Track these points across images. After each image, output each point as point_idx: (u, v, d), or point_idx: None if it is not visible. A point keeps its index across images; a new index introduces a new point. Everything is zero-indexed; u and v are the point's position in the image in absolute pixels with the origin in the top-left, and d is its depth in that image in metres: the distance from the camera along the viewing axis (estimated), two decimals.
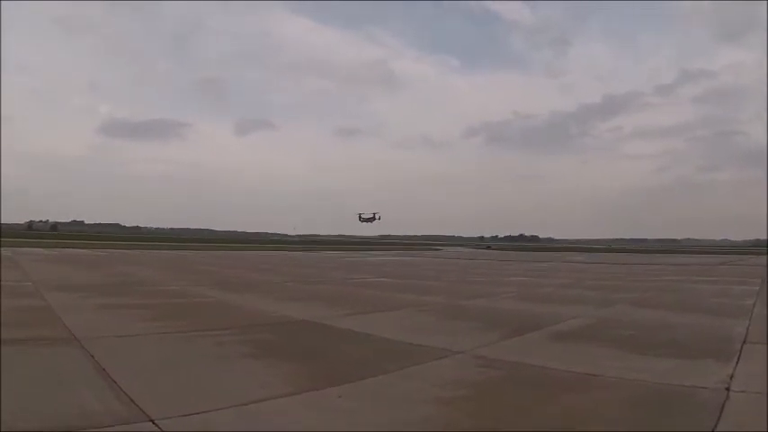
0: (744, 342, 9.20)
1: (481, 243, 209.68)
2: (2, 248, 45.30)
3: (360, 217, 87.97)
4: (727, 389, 6.12)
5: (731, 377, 6.68)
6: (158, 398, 5.47)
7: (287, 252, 71.11)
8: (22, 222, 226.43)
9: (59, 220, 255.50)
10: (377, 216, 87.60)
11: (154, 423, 4.75)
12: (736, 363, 7.56)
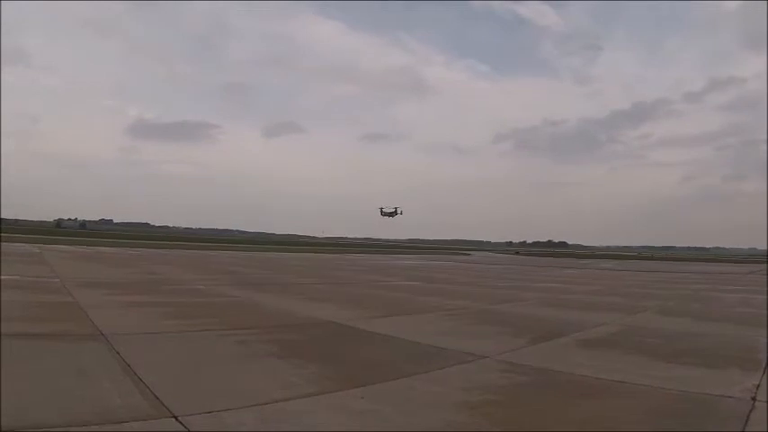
0: None
1: (509, 248, 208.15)
2: (31, 245, 46.14)
3: (381, 211, 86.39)
4: (753, 398, 6.02)
5: (757, 387, 6.55)
6: (182, 395, 5.51)
7: (315, 254, 71.19)
8: (51, 220, 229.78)
9: (88, 219, 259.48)
10: (398, 210, 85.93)
11: (177, 420, 4.77)
12: (763, 372, 7.39)
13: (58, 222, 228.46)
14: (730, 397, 6.11)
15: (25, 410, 4.79)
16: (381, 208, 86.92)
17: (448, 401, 5.72)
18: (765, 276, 38.13)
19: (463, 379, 6.80)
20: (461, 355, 8.20)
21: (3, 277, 16.99)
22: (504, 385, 6.58)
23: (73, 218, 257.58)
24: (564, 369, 7.49)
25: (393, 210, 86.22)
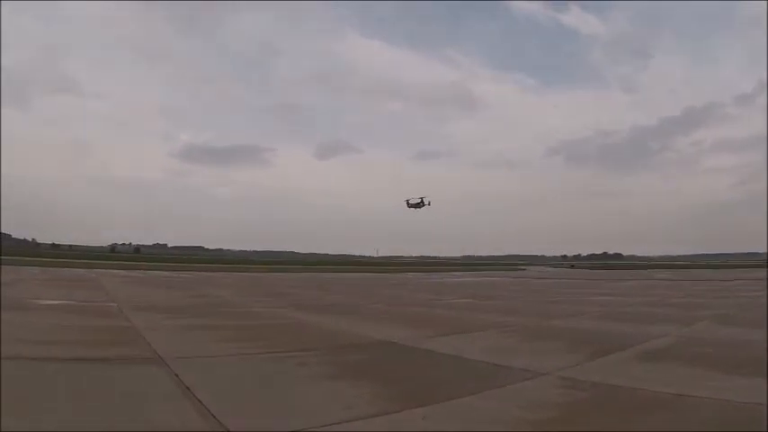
0: None
1: (564, 262, 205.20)
2: (87, 270, 47.63)
3: (407, 203, 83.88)
4: None
5: None
6: (242, 416, 5.56)
7: (370, 274, 71.18)
8: (106, 245, 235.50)
9: (142, 243, 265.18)
10: (425, 200, 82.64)
11: None
12: None
13: (113, 247, 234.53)
14: None
15: None
16: (408, 200, 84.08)
17: (510, 419, 5.66)
18: None
19: (524, 397, 6.68)
20: (521, 373, 8.08)
21: (61, 302, 17.86)
22: (565, 402, 6.44)
23: (127, 243, 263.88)
24: (624, 384, 7.31)
25: (419, 200, 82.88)
